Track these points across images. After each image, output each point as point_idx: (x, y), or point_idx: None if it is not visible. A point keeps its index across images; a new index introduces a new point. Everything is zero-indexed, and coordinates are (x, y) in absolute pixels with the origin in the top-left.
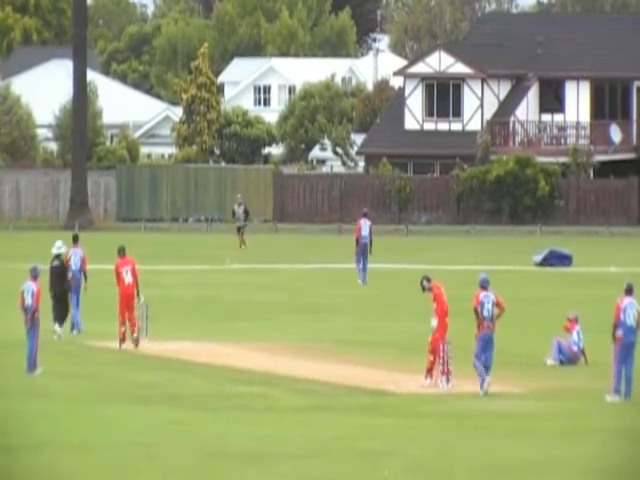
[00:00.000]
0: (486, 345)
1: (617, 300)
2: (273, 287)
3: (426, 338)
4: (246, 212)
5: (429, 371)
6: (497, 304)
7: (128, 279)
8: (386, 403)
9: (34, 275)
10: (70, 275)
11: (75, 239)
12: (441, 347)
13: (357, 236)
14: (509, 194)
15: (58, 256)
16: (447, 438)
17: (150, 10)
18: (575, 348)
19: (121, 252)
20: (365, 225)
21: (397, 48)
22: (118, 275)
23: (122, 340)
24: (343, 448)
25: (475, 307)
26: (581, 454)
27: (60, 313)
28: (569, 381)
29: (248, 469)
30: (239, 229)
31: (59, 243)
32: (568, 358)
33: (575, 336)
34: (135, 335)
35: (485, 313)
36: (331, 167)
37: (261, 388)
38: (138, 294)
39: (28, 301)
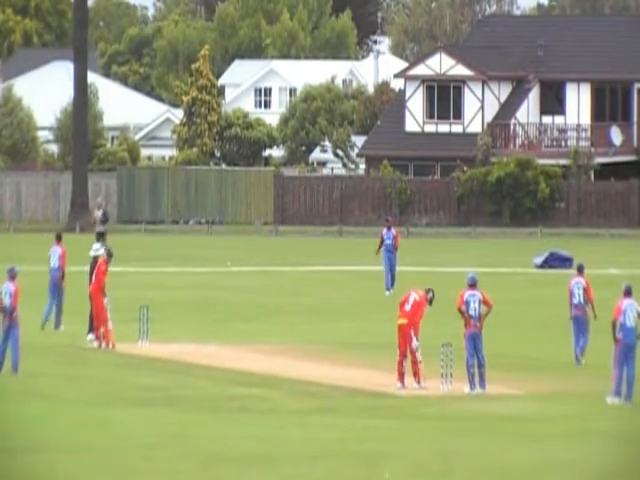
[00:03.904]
0: (474, 343)
1: (617, 302)
2: (274, 289)
3: (426, 340)
4: (105, 215)
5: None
6: (484, 302)
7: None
8: (386, 405)
9: (11, 276)
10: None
11: (58, 238)
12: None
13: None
14: (510, 196)
15: (95, 258)
16: (448, 440)
17: (150, 12)
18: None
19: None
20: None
21: (398, 50)
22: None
23: (97, 339)
24: (343, 450)
25: (459, 307)
26: (581, 456)
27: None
28: (570, 383)
29: (248, 471)
30: (99, 235)
31: (96, 245)
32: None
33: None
34: (100, 331)
35: (472, 312)
36: (332, 169)
37: (261, 390)
38: (104, 294)
39: (6, 301)
